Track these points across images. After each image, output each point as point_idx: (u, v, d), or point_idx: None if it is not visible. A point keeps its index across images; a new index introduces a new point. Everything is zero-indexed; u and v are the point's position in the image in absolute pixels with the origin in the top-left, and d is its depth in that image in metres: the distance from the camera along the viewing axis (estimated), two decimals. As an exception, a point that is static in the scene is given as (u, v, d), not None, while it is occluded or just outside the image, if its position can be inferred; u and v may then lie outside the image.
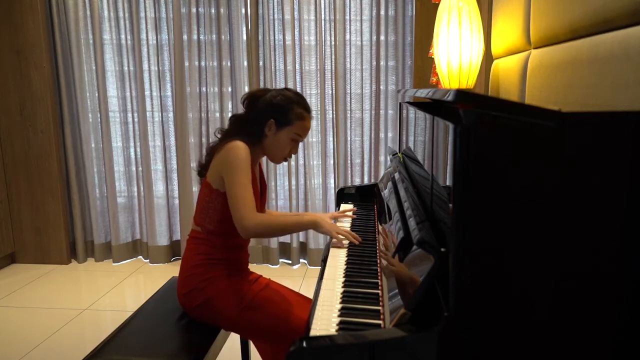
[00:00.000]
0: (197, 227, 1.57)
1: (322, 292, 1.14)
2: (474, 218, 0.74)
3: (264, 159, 1.73)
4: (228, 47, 3.15)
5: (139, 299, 2.81)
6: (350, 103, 3.18)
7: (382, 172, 3.21)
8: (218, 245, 1.54)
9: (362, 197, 2.02)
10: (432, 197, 1.03)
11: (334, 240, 1.49)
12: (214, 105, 3.21)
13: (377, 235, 1.57)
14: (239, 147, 1.47)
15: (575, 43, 1.16)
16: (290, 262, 3.34)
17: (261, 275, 1.64)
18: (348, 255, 1.39)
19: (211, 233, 1.53)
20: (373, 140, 3.21)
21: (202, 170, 1.59)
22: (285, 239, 3.34)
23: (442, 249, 0.83)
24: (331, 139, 3.22)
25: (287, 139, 1.56)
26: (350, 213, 1.81)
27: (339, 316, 1.01)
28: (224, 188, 1.48)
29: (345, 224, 1.71)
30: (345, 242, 1.48)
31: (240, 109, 1.66)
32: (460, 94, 0.76)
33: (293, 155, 1.67)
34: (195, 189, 3.22)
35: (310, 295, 1.27)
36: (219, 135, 1.60)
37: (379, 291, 1.13)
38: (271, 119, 1.54)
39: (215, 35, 3.14)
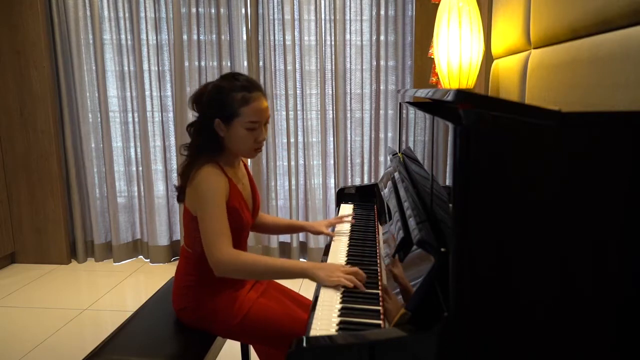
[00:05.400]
0: (188, 248, 1.51)
1: (322, 292, 1.14)
2: (474, 218, 0.74)
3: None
4: (228, 47, 3.15)
5: (139, 299, 2.81)
6: (350, 103, 3.18)
7: (382, 172, 3.21)
8: (209, 267, 1.42)
9: (362, 197, 2.02)
10: (432, 197, 1.03)
11: (333, 240, 1.45)
12: (214, 105, 3.21)
13: (377, 236, 1.56)
14: (209, 176, 1.37)
15: (575, 43, 1.16)
16: (290, 262, 3.33)
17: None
18: (348, 255, 1.39)
19: (201, 255, 1.43)
20: (373, 140, 3.21)
21: (180, 195, 1.50)
22: (286, 238, 3.33)
23: (442, 249, 0.83)
24: (331, 139, 3.21)
25: (242, 131, 1.40)
26: (348, 218, 1.72)
27: (339, 316, 1.01)
28: None
29: (346, 226, 1.71)
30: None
31: None
32: (460, 94, 0.76)
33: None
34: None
35: (311, 295, 1.27)
36: (185, 153, 1.49)
37: (379, 291, 1.13)
38: (216, 118, 1.41)
39: (215, 35, 3.14)
